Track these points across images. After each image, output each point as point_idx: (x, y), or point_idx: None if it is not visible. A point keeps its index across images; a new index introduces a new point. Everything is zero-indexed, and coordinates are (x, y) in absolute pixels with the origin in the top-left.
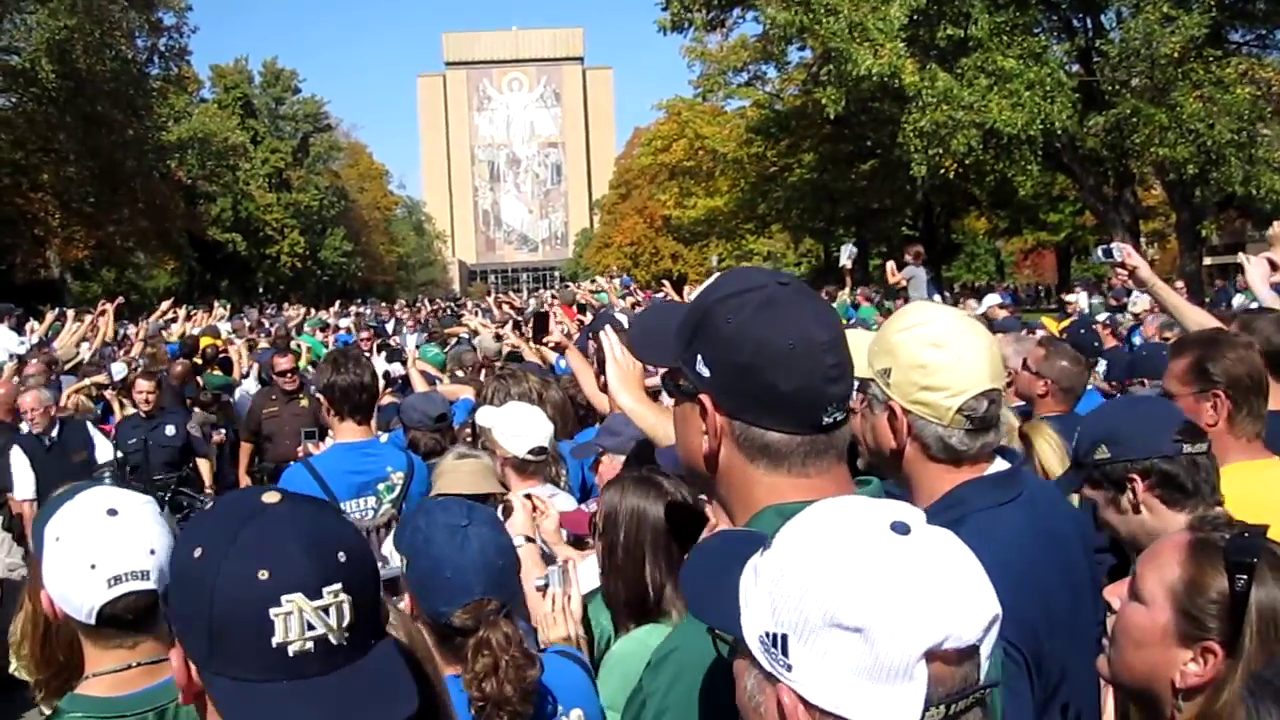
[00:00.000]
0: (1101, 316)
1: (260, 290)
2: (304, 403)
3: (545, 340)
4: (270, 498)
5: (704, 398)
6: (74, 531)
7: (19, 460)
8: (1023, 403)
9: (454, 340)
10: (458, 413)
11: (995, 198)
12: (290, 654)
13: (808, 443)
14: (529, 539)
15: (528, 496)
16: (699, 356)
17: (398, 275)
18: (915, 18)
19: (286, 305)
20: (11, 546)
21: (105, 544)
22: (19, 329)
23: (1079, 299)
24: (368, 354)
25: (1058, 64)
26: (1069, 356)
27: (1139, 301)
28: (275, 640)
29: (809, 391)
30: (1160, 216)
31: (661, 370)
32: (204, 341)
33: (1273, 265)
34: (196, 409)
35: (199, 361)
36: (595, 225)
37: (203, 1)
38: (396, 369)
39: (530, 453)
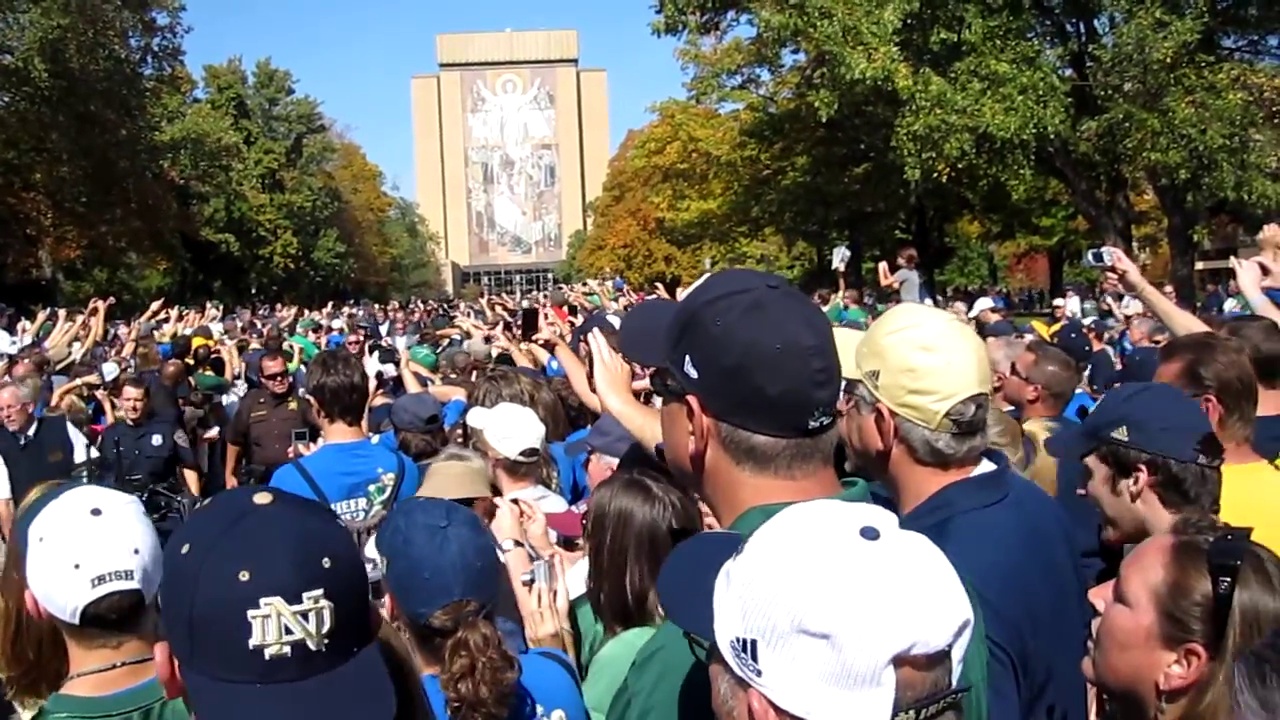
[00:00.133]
0: (1088, 320)
1: (253, 291)
2: (293, 405)
3: (535, 338)
4: (262, 498)
5: (691, 398)
6: (58, 531)
7: None
8: (1012, 408)
9: (446, 342)
10: (449, 414)
11: (988, 202)
12: (266, 657)
13: (793, 446)
14: (517, 543)
15: (515, 501)
16: (687, 357)
17: (391, 277)
18: (909, 22)
19: (279, 306)
20: None
21: (89, 544)
22: (10, 329)
23: (1069, 304)
24: (357, 355)
25: (1051, 68)
26: (1058, 361)
27: (1131, 305)
28: (252, 642)
29: (795, 395)
30: (1152, 221)
31: (650, 370)
32: (196, 342)
33: (1264, 270)
34: (188, 408)
35: (191, 362)
36: (589, 227)
37: (197, 1)
38: (389, 370)
39: (521, 454)
